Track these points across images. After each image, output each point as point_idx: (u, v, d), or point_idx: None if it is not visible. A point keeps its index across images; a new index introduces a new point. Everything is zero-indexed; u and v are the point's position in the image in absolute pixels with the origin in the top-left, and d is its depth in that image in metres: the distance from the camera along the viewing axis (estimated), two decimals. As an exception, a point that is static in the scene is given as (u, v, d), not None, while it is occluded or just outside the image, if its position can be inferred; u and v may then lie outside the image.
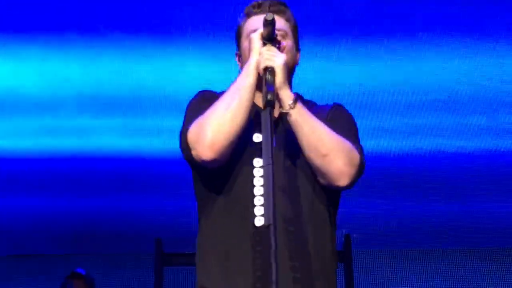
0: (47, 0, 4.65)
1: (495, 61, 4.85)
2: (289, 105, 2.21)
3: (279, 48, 2.28)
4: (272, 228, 1.94)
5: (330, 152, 2.21)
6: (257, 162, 2.22)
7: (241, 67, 2.37)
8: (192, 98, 2.41)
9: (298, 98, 2.33)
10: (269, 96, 2.10)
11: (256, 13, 2.40)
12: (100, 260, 6.41)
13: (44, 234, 6.19)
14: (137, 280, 6.44)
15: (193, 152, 2.23)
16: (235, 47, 2.50)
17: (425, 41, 4.79)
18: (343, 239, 5.57)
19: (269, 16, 2.18)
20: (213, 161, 2.22)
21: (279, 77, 2.19)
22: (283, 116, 2.25)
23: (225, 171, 2.28)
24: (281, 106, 2.24)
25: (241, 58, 2.41)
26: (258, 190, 2.18)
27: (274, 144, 2.03)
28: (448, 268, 6.50)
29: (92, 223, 6.02)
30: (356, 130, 2.41)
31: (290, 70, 2.35)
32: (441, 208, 5.86)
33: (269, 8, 2.39)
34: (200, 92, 2.43)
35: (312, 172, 2.27)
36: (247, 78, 2.23)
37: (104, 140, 5.30)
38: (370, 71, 4.90)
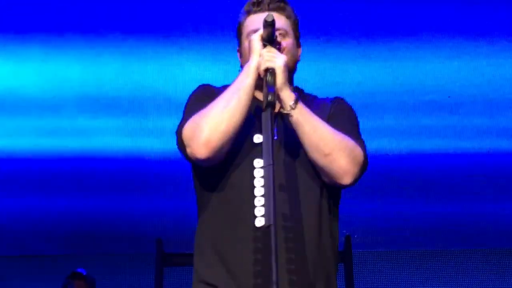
0: (47, 1, 4.65)
1: (494, 62, 4.85)
2: (290, 105, 2.22)
3: (279, 49, 2.28)
4: (272, 228, 1.94)
5: (332, 151, 2.21)
6: (258, 162, 2.22)
7: (242, 64, 2.37)
8: (192, 93, 2.41)
9: (299, 93, 2.34)
10: (269, 97, 2.10)
11: (255, 12, 2.40)
12: (101, 260, 6.40)
13: (44, 234, 6.19)
14: (137, 280, 6.43)
15: (188, 150, 2.24)
16: (235, 47, 2.50)
17: (425, 42, 4.79)
18: (344, 240, 5.57)
19: (269, 18, 2.18)
20: (207, 159, 2.22)
21: (280, 78, 2.19)
22: (285, 115, 2.25)
23: (225, 171, 2.28)
24: (282, 107, 2.24)
25: (242, 55, 2.41)
26: (259, 190, 2.18)
27: (275, 137, 2.02)
28: (449, 269, 6.50)
29: (93, 223, 6.01)
30: (358, 125, 2.41)
31: (291, 68, 2.36)
32: (442, 209, 5.86)
33: (268, 5, 2.39)
34: (200, 86, 2.43)
35: (314, 170, 2.28)
36: (247, 78, 2.24)
37: (105, 141, 5.30)
38: (370, 72, 4.91)
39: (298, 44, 2.46)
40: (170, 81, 4.89)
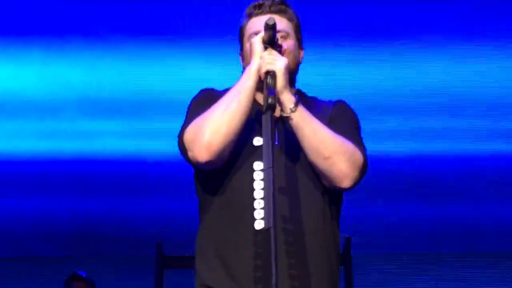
0: (48, 4, 4.65)
1: (497, 64, 4.85)
2: (290, 109, 2.22)
3: (280, 52, 2.28)
4: (272, 231, 1.94)
5: (332, 154, 2.21)
6: (258, 165, 2.22)
7: (244, 67, 2.37)
8: (194, 98, 2.41)
9: (300, 96, 2.34)
10: (270, 100, 2.10)
11: (257, 14, 2.40)
12: (101, 263, 6.40)
13: (44, 236, 6.19)
14: (137, 283, 6.43)
15: (189, 153, 2.24)
16: (237, 49, 2.50)
17: (427, 45, 4.79)
18: (344, 242, 5.57)
19: (270, 21, 2.19)
20: (209, 163, 2.22)
21: (280, 81, 2.19)
22: (284, 117, 2.25)
23: (225, 174, 2.28)
24: (282, 110, 2.24)
25: (244, 58, 2.42)
26: (258, 193, 2.18)
27: (276, 142, 2.02)
28: (450, 272, 6.50)
29: (93, 226, 6.01)
30: (359, 128, 2.41)
31: (293, 70, 2.36)
32: (443, 212, 5.86)
33: (270, 8, 2.39)
34: (202, 91, 2.43)
35: (314, 174, 2.27)
36: (247, 81, 2.24)
37: (105, 143, 5.30)
38: (372, 75, 4.91)
39: (300, 46, 2.45)
40: (171, 84, 4.89)
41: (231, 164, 2.27)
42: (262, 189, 2.08)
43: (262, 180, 2.10)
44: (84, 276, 5.43)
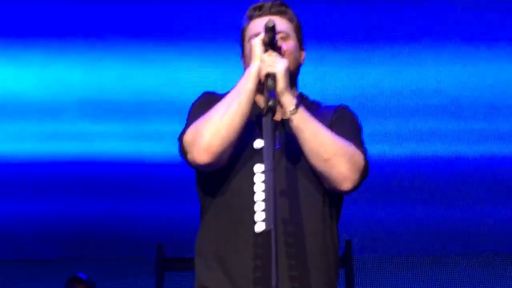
0: (49, 6, 4.65)
1: (496, 66, 4.85)
2: (290, 111, 2.21)
3: (280, 53, 2.28)
4: (273, 233, 1.94)
5: (332, 157, 2.21)
6: (258, 167, 2.22)
7: (245, 70, 2.37)
8: (195, 101, 2.41)
9: (303, 99, 2.34)
10: (270, 102, 2.10)
11: (257, 16, 2.40)
12: (101, 265, 6.39)
13: (45, 238, 6.18)
14: (138, 285, 6.42)
15: (189, 156, 2.24)
16: (237, 52, 2.50)
17: (427, 47, 4.80)
18: (344, 244, 5.57)
19: (270, 23, 2.18)
20: (209, 165, 2.22)
21: (281, 83, 2.19)
22: (285, 120, 2.25)
23: (226, 177, 2.28)
24: (283, 112, 2.24)
25: (245, 60, 2.41)
26: (259, 195, 2.17)
27: (277, 146, 2.02)
28: (450, 274, 6.49)
29: (93, 227, 6.01)
30: (361, 132, 2.40)
31: (293, 71, 2.35)
32: (443, 214, 5.85)
33: (270, 9, 2.39)
34: (203, 94, 2.43)
35: (315, 177, 2.27)
36: (247, 83, 2.23)
37: (106, 145, 5.30)
38: (372, 77, 4.91)
39: (301, 47, 2.45)
40: (171, 86, 4.89)
41: (232, 167, 2.27)
42: (263, 191, 2.08)
43: (263, 182, 2.10)
44: (84, 278, 5.43)
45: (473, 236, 6.08)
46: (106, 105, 5.04)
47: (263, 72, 2.20)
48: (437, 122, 5.13)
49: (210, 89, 2.49)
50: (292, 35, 2.41)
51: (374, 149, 5.22)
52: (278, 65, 2.20)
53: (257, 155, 2.21)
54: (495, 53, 4.80)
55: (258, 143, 2.26)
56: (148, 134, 5.19)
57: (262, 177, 2.12)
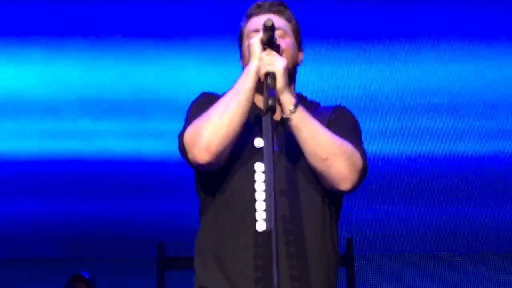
0: (49, 4, 4.65)
1: (496, 64, 4.84)
2: (289, 110, 2.21)
3: (278, 52, 2.27)
4: (273, 233, 1.93)
5: (330, 156, 2.20)
6: (259, 167, 2.22)
7: (244, 69, 2.36)
8: (193, 100, 2.41)
9: (301, 100, 2.33)
10: (270, 102, 2.09)
11: (256, 14, 2.40)
12: (102, 264, 6.39)
13: (45, 238, 6.18)
14: (139, 284, 6.42)
15: (189, 155, 2.24)
16: (236, 50, 2.50)
17: (426, 45, 4.79)
18: (345, 243, 5.56)
19: (268, 22, 2.17)
20: (209, 164, 2.21)
21: (280, 82, 2.18)
22: (285, 119, 2.24)
23: (226, 176, 2.27)
24: (282, 111, 2.23)
25: (243, 58, 2.41)
26: (259, 195, 2.17)
27: (276, 148, 2.02)
28: (451, 273, 6.49)
29: (94, 227, 6.01)
30: (359, 132, 2.40)
31: (291, 70, 2.34)
32: (444, 212, 5.85)
33: (268, 8, 2.39)
34: (201, 94, 2.43)
35: (314, 176, 2.27)
36: (246, 82, 2.23)
37: (106, 143, 5.30)
38: (371, 75, 4.90)
39: (299, 48, 2.45)
40: (171, 84, 4.89)
41: (232, 166, 2.26)
42: (264, 190, 2.08)
43: (263, 181, 2.10)
44: (86, 277, 5.42)
45: (474, 235, 6.08)
46: (106, 103, 5.04)
47: (262, 71, 2.19)
48: (438, 120, 5.12)
49: (210, 87, 2.49)
50: (290, 34, 2.41)
51: (375, 147, 5.23)
52: (277, 63, 2.19)
53: (258, 154, 2.22)
54: (496, 50, 4.79)
55: (258, 142, 2.25)
56: (148, 132, 5.19)
57: (263, 176, 2.12)
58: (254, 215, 2.16)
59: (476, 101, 5.02)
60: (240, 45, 2.46)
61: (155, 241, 5.57)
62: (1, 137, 5.27)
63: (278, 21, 2.33)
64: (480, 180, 5.55)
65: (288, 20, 2.42)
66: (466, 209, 5.81)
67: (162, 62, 4.84)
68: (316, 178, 2.26)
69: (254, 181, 2.20)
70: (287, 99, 2.21)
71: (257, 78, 2.22)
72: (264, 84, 2.18)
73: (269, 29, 2.19)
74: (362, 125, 2.44)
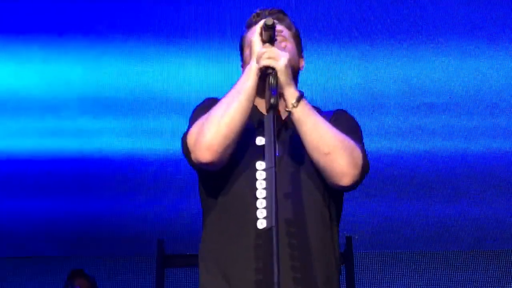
0: (49, 2, 4.65)
1: (495, 62, 4.85)
2: (292, 103, 2.21)
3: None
4: (274, 230, 1.94)
5: (332, 150, 2.20)
6: (260, 165, 2.22)
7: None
8: (197, 105, 2.42)
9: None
10: (272, 100, 2.09)
11: (256, 22, 2.38)
12: (102, 262, 6.40)
13: (45, 236, 6.19)
14: (138, 282, 6.43)
15: (192, 155, 2.24)
16: (236, 48, 2.50)
17: (425, 43, 4.79)
18: (345, 241, 5.57)
19: (269, 21, 2.17)
20: (211, 163, 2.22)
21: (283, 77, 2.18)
22: (289, 121, 2.25)
23: (227, 174, 2.28)
24: (286, 105, 2.23)
25: (245, 64, 2.40)
26: (261, 193, 2.18)
27: (277, 148, 2.02)
28: (451, 270, 6.50)
29: (93, 224, 6.02)
30: (360, 133, 2.40)
31: (293, 74, 2.32)
32: (443, 210, 5.86)
33: (268, 15, 2.38)
34: (205, 99, 2.43)
35: (318, 176, 2.27)
36: (248, 81, 2.23)
37: (106, 142, 5.30)
38: (371, 73, 4.90)
39: (300, 55, 2.45)
40: (171, 82, 4.88)
41: (234, 164, 2.27)
42: (265, 188, 2.08)
43: (264, 179, 2.10)
44: (85, 272, 5.43)
45: (474, 232, 6.09)
46: (106, 101, 5.04)
47: (263, 62, 2.18)
48: (437, 118, 5.13)
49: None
50: (291, 40, 2.41)
51: (375, 145, 5.23)
52: (279, 59, 2.18)
53: (259, 152, 2.20)
54: (495, 49, 4.79)
55: (260, 140, 2.26)
56: (148, 130, 5.19)
57: (264, 174, 2.13)
58: (256, 213, 2.17)
59: (476, 99, 5.03)
60: (242, 54, 2.46)
61: (155, 239, 5.58)
62: (1, 135, 5.27)
63: (279, 26, 2.33)
64: (480, 178, 5.55)
65: (288, 27, 2.43)
66: (466, 206, 5.82)
67: (162, 60, 4.83)
68: (318, 179, 2.27)
69: (255, 179, 2.21)
70: (290, 93, 2.21)
71: (258, 76, 2.21)
72: (267, 82, 2.17)
73: (270, 28, 2.19)
74: (361, 122, 2.45)
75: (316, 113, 2.25)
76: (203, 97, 2.45)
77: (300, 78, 2.46)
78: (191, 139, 2.25)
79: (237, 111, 2.20)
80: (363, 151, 2.31)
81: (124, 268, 6.54)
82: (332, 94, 4.81)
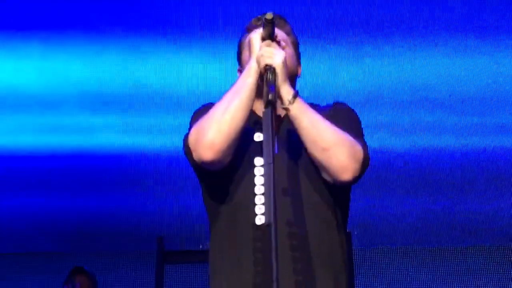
0: (48, -1, 4.65)
1: (495, 59, 4.84)
2: (288, 100, 2.21)
3: (279, 45, 2.27)
4: (272, 226, 1.93)
5: (330, 146, 2.19)
6: (258, 161, 2.22)
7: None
8: (196, 109, 2.41)
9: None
10: (270, 96, 2.09)
11: (256, 26, 2.39)
12: (102, 258, 6.40)
13: (45, 232, 6.19)
14: (138, 278, 6.43)
15: (194, 154, 2.24)
16: (236, 46, 2.49)
17: (425, 40, 4.79)
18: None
19: (269, 16, 2.17)
20: (213, 162, 2.21)
21: (280, 75, 2.18)
22: (286, 118, 2.24)
23: (226, 171, 2.27)
24: (282, 103, 2.22)
25: (242, 72, 2.39)
26: (259, 189, 2.17)
27: (276, 144, 2.02)
28: (451, 266, 6.50)
29: (94, 221, 6.02)
30: (360, 126, 2.39)
31: (291, 78, 2.32)
32: (443, 206, 5.86)
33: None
34: (204, 104, 2.41)
35: (317, 172, 2.26)
36: (248, 78, 2.23)
37: (105, 138, 5.30)
38: (371, 70, 4.90)
39: (298, 61, 2.45)
40: (170, 79, 4.88)
41: (232, 161, 2.26)
42: (263, 184, 2.08)
43: (262, 175, 2.10)
44: (86, 269, 5.43)
45: (474, 228, 6.09)
46: (106, 98, 5.04)
47: (262, 64, 2.18)
48: (436, 114, 5.13)
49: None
50: (290, 46, 2.41)
51: (375, 140, 5.23)
52: (276, 56, 2.19)
53: (258, 148, 2.22)
54: (496, 46, 4.79)
55: (258, 136, 2.27)
56: (148, 126, 5.19)
57: (262, 170, 2.12)
58: (254, 209, 2.16)
59: (475, 96, 5.02)
60: (239, 58, 2.46)
61: (155, 235, 5.58)
62: (0, 131, 5.27)
63: (278, 32, 2.31)
64: (480, 174, 5.55)
65: (288, 34, 2.43)
66: (466, 202, 5.82)
67: (162, 56, 4.83)
68: (319, 177, 2.25)
69: (254, 175, 2.20)
70: (286, 90, 2.21)
71: (258, 73, 2.21)
72: (265, 78, 2.17)
73: (270, 23, 2.19)
74: (361, 117, 2.44)
75: (313, 110, 2.24)
76: (203, 93, 2.46)
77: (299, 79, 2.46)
78: (192, 138, 2.24)
79: (238, 108, 2.20)
80: (364, 144, 2.29)
81: (124, 264, 6.54)
82: (330, 92, 4.81)
